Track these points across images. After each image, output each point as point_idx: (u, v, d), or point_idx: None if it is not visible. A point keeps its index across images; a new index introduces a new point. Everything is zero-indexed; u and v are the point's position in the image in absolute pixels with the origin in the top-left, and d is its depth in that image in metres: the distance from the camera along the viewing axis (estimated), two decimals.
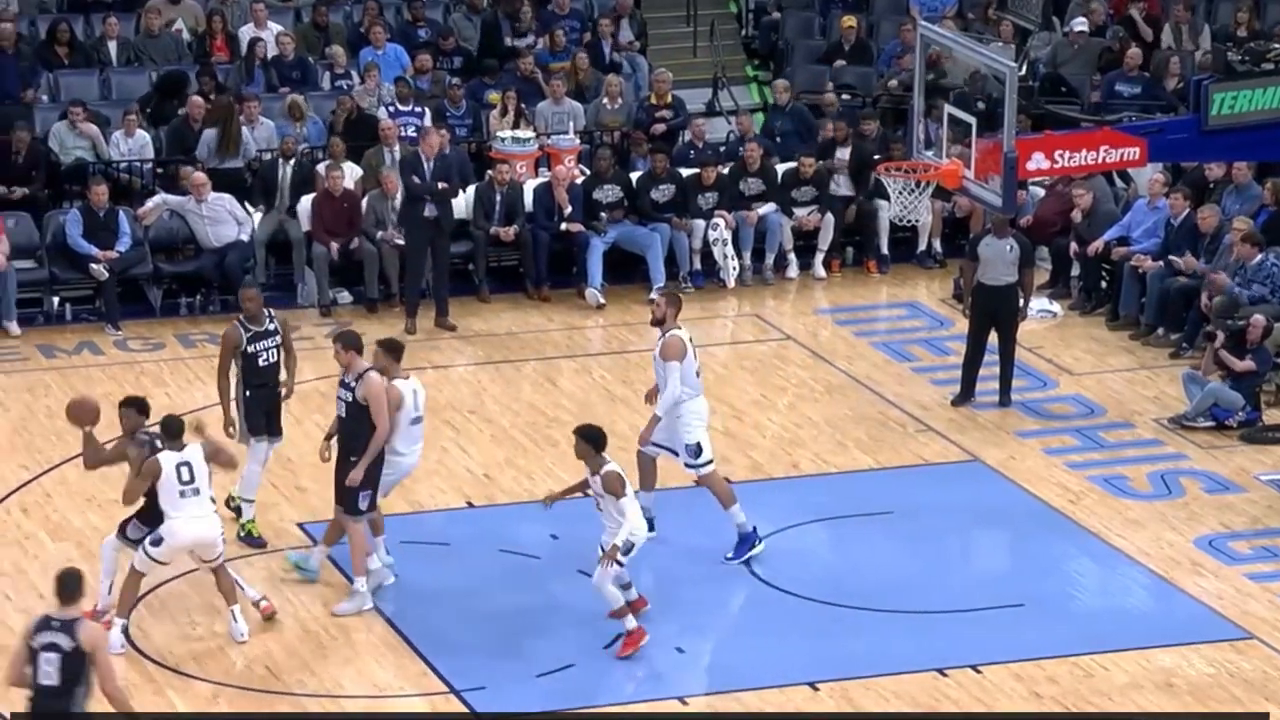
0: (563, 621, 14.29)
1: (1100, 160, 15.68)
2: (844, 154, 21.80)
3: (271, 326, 15.54)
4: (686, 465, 15.37)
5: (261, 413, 15.45)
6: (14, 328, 19.76)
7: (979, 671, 14.09)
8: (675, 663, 14.21)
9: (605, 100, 22.78)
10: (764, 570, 15.34)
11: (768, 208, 21.43)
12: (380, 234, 20.50)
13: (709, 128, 22.75)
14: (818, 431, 17.93)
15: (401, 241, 20.29)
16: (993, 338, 18.33)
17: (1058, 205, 21.30)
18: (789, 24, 25.67)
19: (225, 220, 20.42)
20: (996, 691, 13.88)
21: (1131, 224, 20.55)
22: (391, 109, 22.06)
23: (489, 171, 21.22)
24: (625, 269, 21.11)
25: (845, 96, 23.54)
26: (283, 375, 15.56)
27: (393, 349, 14.88)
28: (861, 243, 21.99)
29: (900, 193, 16.25)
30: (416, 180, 19.91)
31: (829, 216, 21.53)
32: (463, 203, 20.78)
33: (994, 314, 18.26)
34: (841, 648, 14.39)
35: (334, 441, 14.86)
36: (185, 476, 13.86)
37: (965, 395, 18.46)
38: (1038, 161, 15.40)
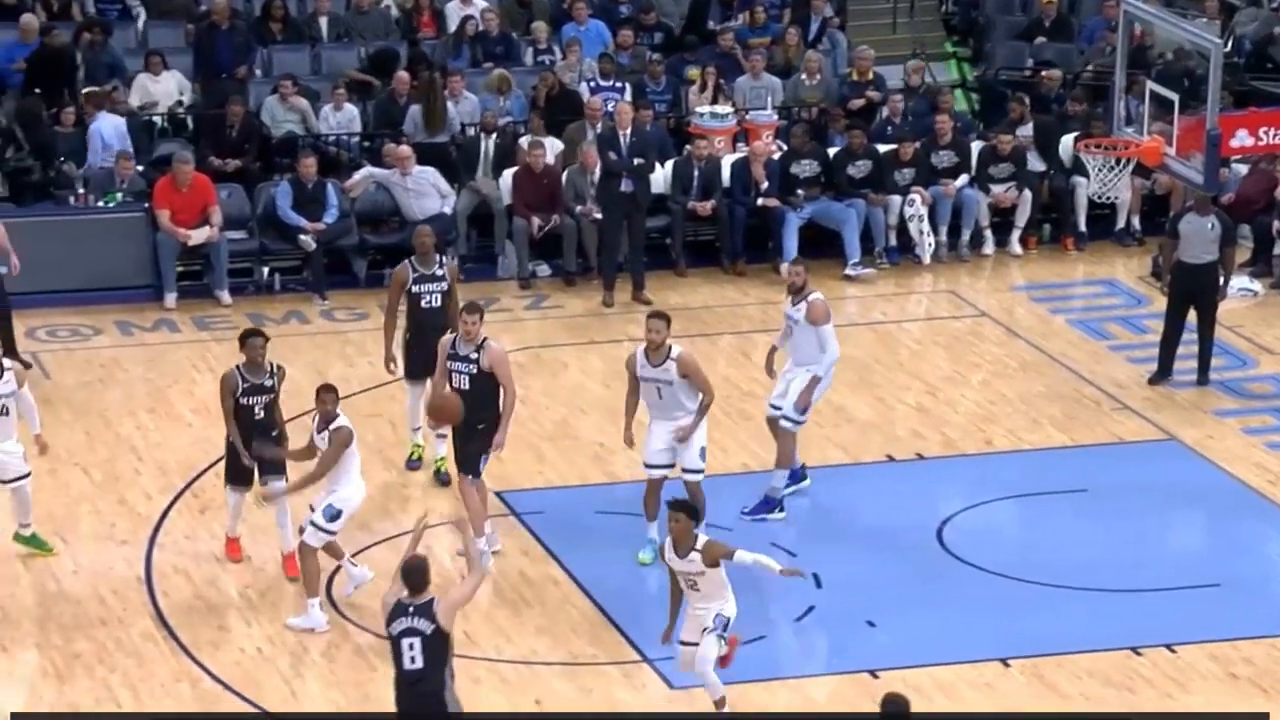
0: (754, 593, 14.39)
1: None
2: (1026, 130, 21.70)
3: (440, 272, 15.95)
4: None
5: (418, 354, 15.74)
6: (225, 297, 20.23)
7: (1173, 651, 14.03)
8: (866, 636, 14.29)
9: (804, 76, 22.83)
10: (954, 545, 15.40)
11: (961, 180, 21.39)
12: (579, 208, 20.75)
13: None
14: (1011, 408, 17.89)
15: (599, 216, 20.53)
16: (1191, 316, 18.20)
17: (1261, 183, 21.05)
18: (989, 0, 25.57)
19: (429, 193, 20.75)
20: (1191, 671, 13.82)
21: None
22: (593, 84, 22.29)
23: (687, 146, 21.38)
24: (820, 244, 21.17)
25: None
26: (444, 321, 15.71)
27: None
28: (1059, 219, 21.89)
29: (1100, 170, 16.18)
30: (613, 156, 20.14)
31: (1026, 193, 21.45)
32: (661, 177, 20.99)
33: (1193, 292, 18.09)
34: (1033, 624, 14.38)
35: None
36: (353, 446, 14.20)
37: (1163, 374, 18.33)
38: (1241, 139, 15.33)
